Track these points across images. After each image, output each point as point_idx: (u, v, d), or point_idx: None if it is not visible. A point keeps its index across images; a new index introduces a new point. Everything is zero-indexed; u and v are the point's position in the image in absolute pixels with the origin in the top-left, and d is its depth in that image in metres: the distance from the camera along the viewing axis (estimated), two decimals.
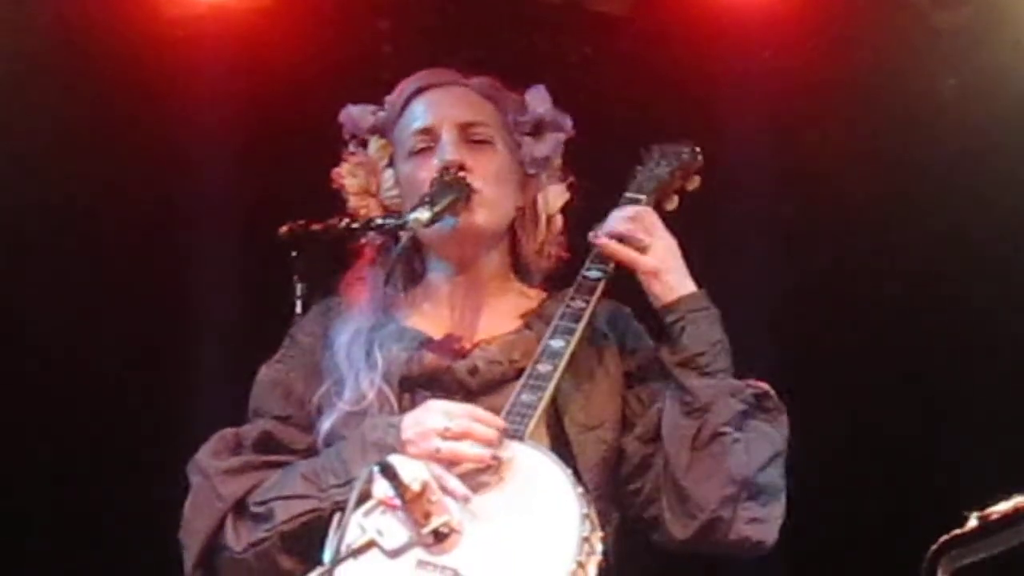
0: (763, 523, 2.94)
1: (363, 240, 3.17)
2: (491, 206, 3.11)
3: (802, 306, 4.51)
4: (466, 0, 4.51)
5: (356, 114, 3.26)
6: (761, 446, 2.95)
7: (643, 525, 3.00)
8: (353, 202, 3.22)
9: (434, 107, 3.19)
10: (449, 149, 3.11)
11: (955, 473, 4.30)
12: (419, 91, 3.22)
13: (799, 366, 4.36)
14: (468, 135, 3.15)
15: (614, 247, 3.06)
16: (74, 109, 4.34)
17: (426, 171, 3.10)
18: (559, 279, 3.21)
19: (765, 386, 3.02)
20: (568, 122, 3.26)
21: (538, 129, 3.24)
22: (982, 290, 4.46)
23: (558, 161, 3.25)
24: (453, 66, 3.26)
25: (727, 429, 2.93)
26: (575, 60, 4.56)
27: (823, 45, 4.44)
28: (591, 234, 3.10)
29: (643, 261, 3.04)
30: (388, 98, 3.25)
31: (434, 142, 3.14)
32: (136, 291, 4.45)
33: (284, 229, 2.98)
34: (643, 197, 3.15)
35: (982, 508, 2.44)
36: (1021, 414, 4.33)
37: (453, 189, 3.04)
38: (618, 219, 3.09)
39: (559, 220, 3.25)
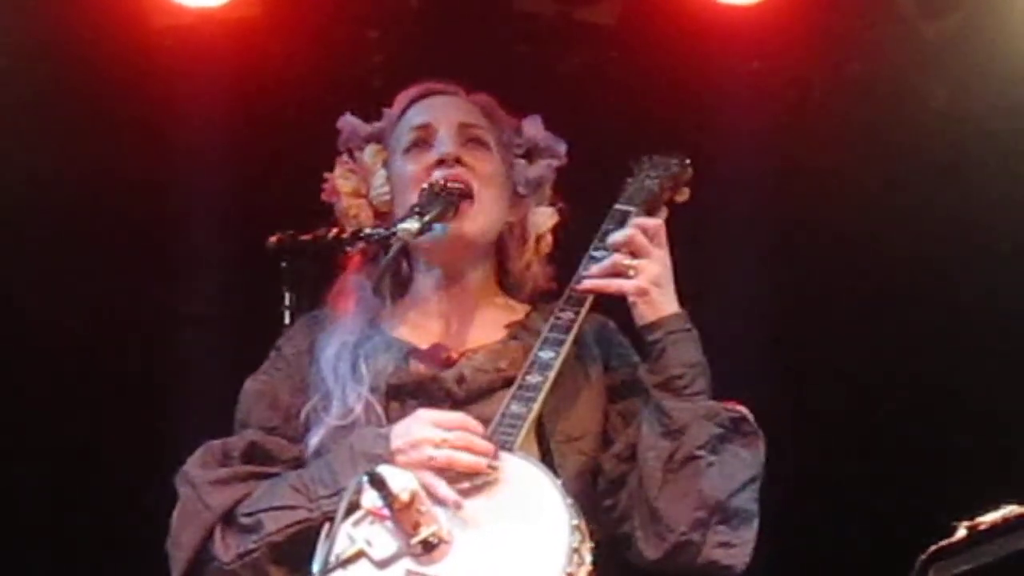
0: (733, 547, 2.90)
1: (350, 250, 3.16)
2: (484, 210, 3.11)
3: (795, 310, 4.51)
4: (454, 11, 4.52)
5: (355, 122, 3.26)
6: (736, 470, 2.92)
7: (616, 542, 2.97)
8: (344, 201, 3.21)
9: (433, 108, 3.20)
10: (447, 143, 3.12)
11: (945, 482, 4.30)
12: (420, 97, 3.23)
13: (794, 370, 4.37)
14: (466, 135, 3.15)
15: (599, 287, 3.01)
16: (62, 120, 4.33)
17: (418, 165, 3.11)
18: (545, 294, 3.20)
19: (743, 410, 2.98)
20: (562, 148, 3.26)
21: (531, 154, 3.24)
22: (978, 293, 4.47)
23: (548, 186, 3.25)
24: (454, 80, 3.26)
25: (701, 452, 2.90)
26: (563, 69, 4.56)
27: (811, 54, 4.45)
28: (575, 284, 3.04)
29: (628, 287, 2.99)
30: (387, 110, 3.26)
31: (431, 138, 3.14)
32: (128, 305, 4.44)
33: (273, 240, 2.99)
34: (633, 209, 3.12)
35: (971, 518, 2.44)
36: (1013, 422, 4.34)
37: (442, 199, 3.03)
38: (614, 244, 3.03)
39: (548, 240, 3.25)
